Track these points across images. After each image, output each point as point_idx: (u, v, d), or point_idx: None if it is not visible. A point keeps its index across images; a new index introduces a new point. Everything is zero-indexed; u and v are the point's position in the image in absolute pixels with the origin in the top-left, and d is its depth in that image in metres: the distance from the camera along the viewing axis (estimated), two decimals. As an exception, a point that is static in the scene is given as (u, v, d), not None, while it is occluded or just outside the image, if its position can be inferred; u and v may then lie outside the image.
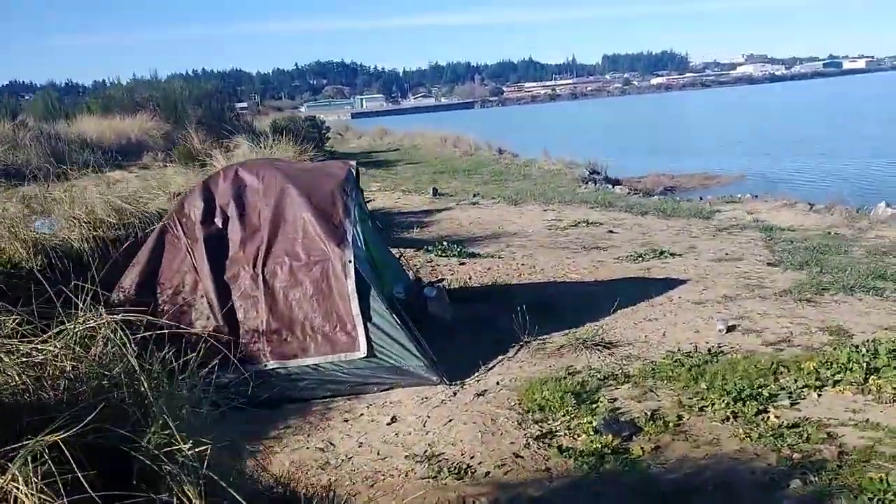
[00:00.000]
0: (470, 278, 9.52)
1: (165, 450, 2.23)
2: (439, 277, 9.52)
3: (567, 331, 7.08)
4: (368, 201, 17.98)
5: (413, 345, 6.05)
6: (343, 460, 4.88)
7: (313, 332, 6.06)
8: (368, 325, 6.04)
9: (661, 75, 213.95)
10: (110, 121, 25.61)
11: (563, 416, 5.25)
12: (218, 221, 6.39)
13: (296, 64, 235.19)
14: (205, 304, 6.12)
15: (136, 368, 2.47)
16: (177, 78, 33.37)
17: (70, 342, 2.51)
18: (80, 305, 3.01)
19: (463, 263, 10.31)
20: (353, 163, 6.89)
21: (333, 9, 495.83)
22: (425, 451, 4.87)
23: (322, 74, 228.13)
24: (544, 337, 7.01)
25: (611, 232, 13.00)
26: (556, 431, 5.05)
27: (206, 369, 3.37)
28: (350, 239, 6.17)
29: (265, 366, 6.02)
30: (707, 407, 5.28)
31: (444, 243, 11.37)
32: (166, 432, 2.27)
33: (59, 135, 22.41)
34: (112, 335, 2.63)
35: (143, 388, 2.39)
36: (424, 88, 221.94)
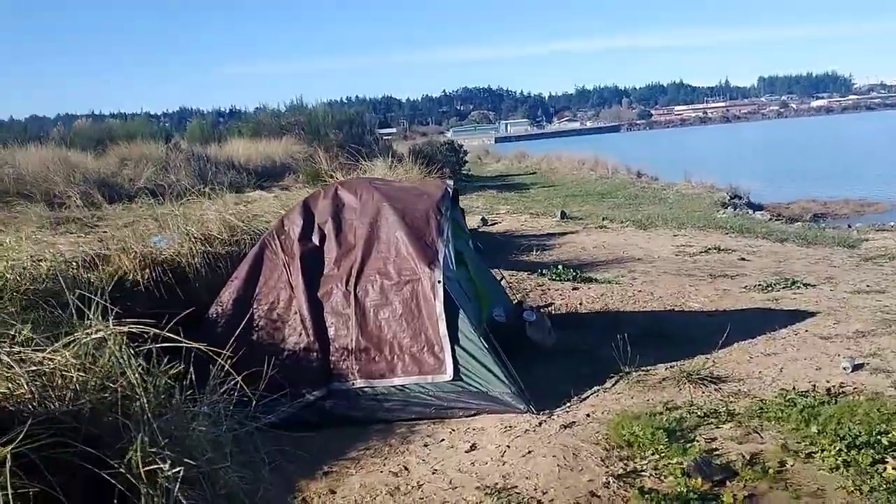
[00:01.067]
0: (581, 304, 9.19)
1: (146, 469, 2.13)
2: (547, 302, 9.25)
3: (674, 363, 6.66)
4: (494, 223, 17.99)
5: (500, 370, 5.83)
6: (413, 487, 4.71)
7: (401, 351, 5.96)
8: (456, 347, 5.88)
9: (822, 97, 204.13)
10: (257, 144, 26.77)
11: (652, 454, 4.89)
12: (315, 239, 6.42)
13: (444, 90, 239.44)
14: (297, 320, 6.13)
15: (135, 383, 2.38)
16: (325, 104, 34.47)
17: (80, 352, 2.47)
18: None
19: (576, 288, 9.98)
20: (451, 182, 6.77)
21: (481, 36, 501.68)
22: (497, 484, 4.63)
23: (469, 100, 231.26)
24: (648, 368, 6.62)
25: (743, 259, 12.32)
26: (642, 471, 4.69)
27: (230, 384, 3.15)
28: (441, 259, 6.04)
29: (353, 384, 5.96)
30: (816, 453, 4.78)
31: (560, 267, 11.07)
32: (153, 450, 2.17)
33: (209, 157, 23.58)
34: (116, 349, 2.52)
35: (139, 403, 2.29)
36: (570, 112, 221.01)
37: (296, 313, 6.16)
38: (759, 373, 6.48)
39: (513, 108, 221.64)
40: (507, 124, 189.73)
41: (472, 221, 17.80)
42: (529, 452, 5.04)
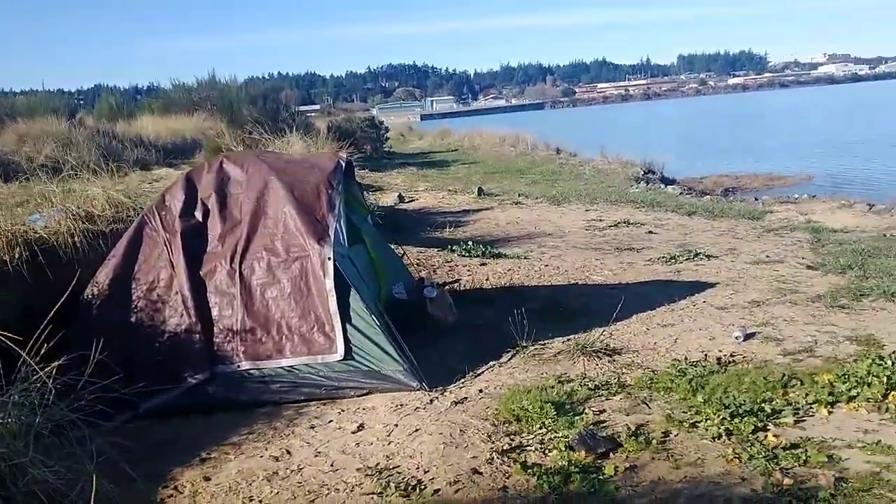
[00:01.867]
0: (487, 279, 9.10)
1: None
2: (454, 279, 9.14)
3: (571, 336, 6.62)
4: (411, 200, 17.80)
5: (393, 348, 5.69)
6: (293, 471, 4.54)
7: (290, 332, 5.75)
8: (347, 325, 5.71)
9: (739, 75, 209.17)
10: (168, 120, 25.93)
11: (540, 428, 4.82)
12: (198, 214, 6.14)
13: (368, 67, 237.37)
14: (179, 300, 5.86)
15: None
16: (240, 80, 33.51)
17: None
18: None
19: (484, 264, 9.90)
20: (344, 154, 6.56)
21: (406, 13, 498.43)
22: (379, 464, 4.50)
23: (394, 77, 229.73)
24: (545, 342, 6.57)
25: (650, 233, 12.43)
26: (527, 446, 4.61)
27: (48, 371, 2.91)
28: (332, 235, 5.85)
29: (238, 367, 5.73)
30: (700, 423, 4.78)
31: (470, 243, 10.97)
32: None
33: (116, 133, 22.73)
34: None
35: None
36: (495, 90, 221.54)
37: (177, 293, 5.88)
38: (654, 344, 6.49)
39: (438, 86, 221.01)
40: (432, 101, 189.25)
41: (389, 199, 17.58)
42: (416, 431, 4.91)
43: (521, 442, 4.66)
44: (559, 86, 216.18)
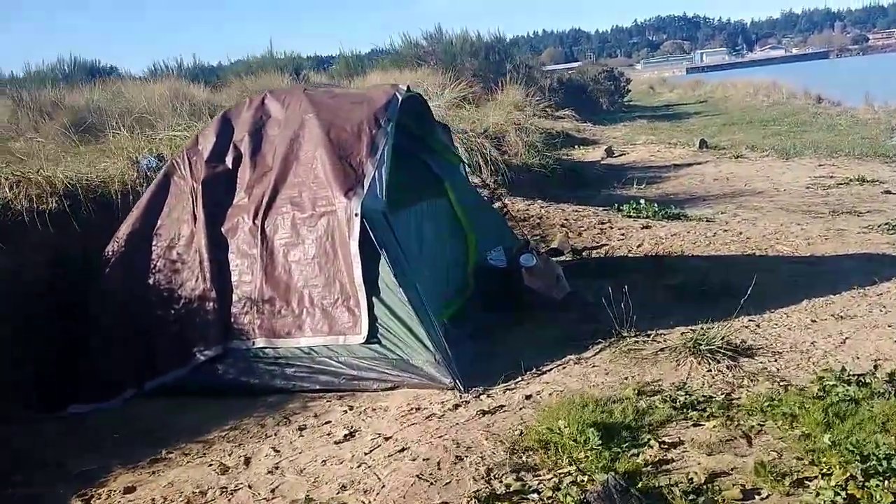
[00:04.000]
0: (640, 245, 7.45)
1: None
2: (599, 243, 7.58)
3: (696, 326, 4.93)
4: (621, 155, 16.05)
5: (425, 332, 4.41)
6: (225, 492, 3.47)
7: (311, 305, 4.67)
8: (375, 301, 4.52)
9: None
10: (391, 75, 25.77)
11: (567, 464, 3.36)
12: (228, 160, 5.17)
13: (635, 20, 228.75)
14: (196, 261, 4.95)
15: None
16: (510, 39, 32.54)
17: None
18: None
19: (648, 227, 8.19)
20: (404, 87, 5.27)
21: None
22: (320, 498, 3.29)
23: (661, 30, 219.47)
24: (656, 331, 4.97)
25: (888, 192, 9.92)
26: (530, 493, 3.18)
27: None
28: (366, 185, 4.64)
29: (252, 344, 4.74)
30: (812, 480, 3.08)
31: (642, 202, 9.23)
32: None
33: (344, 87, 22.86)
34: None
35: None
36: (774, 39, 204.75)
37: (196, 252, 4.98)
38: (812, 344, 4.67)
39: (710, 37, 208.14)
40: (702, 54, 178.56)
41: (597, 153, 16.04)
42: (403, 451, 3.64)
43: (526, 486, 3.23)
44: (849, 32, 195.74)
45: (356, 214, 4.55)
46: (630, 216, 8.76)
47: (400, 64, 28.14)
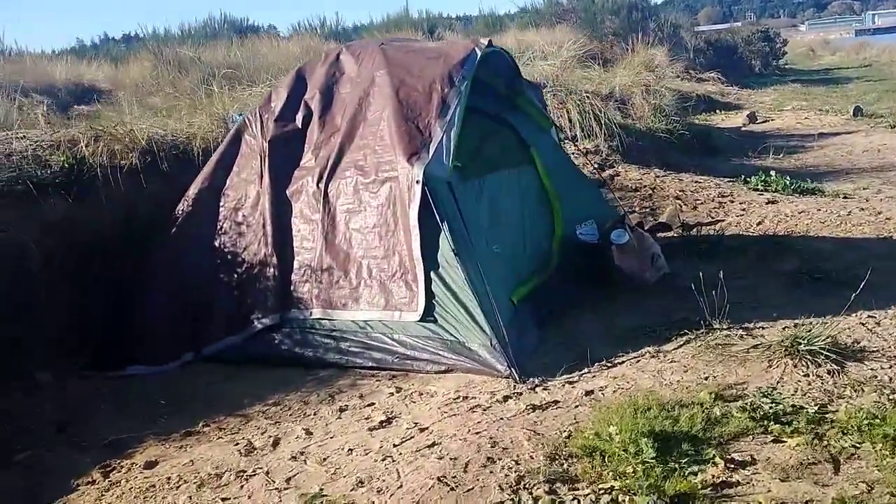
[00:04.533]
0: (760, 223, 6.74)
1: None
2: (713, 219, 6.91)
3: (800, 320, 4.32)
4: (765, 121, 14.93)
5: (483, 313, 4.03)
6: (240, 477, 3.24)
7: (370, 276, 4.38)
8: (434, 276, 4.18)
9: None
10: (527, 34, 25.09)
11: (612, 478, 2.92)
12: (298, 119, 4.92)
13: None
14: (260, 223, 4.75)
15: None
16: None
17: None
18: None
19: (773, 202, 7.42)
20: (484, 41, 4.82)
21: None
22: (330, 495, 3.00)
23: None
24: (752, 325, 4.38)
25: None
26: (559, 508, 2.77)
27: None
28: (433, 150, 4.28)
29: (309, 314, 4.51)
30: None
31: (773, 174, 8.40)
32: None
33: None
34: None
35: None
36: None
37: (260, 215, 4.78)
38: (938, 349, 3.97)
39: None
40: (874, 15, 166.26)
41: (738, 119, 15.00)
42: (433, 446, 3.30)
43: (557, 500, 2.82)
44: None
45: (417, 182, 4.20)
46: (756, 189, 8.00)
47: (537, 22, 27.41)
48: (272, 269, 4.64)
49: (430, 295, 4.18)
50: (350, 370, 4.30)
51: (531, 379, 3.88)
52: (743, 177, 8.43)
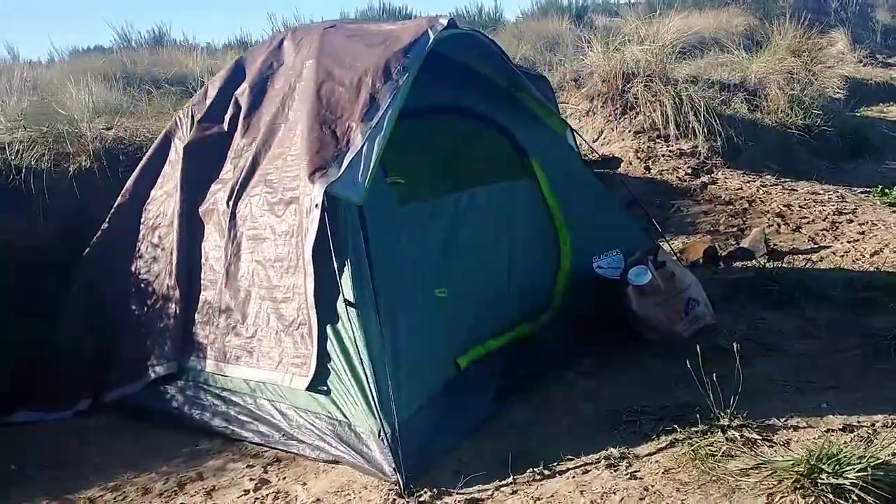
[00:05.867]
0: (875, 253, 5.14)
1: None
2: (813, 246, 5.39)
3: (857, 421, 2.93)
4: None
5: (374, 388, 2.95)
6: None
7: (266, 324, 3.42)
8: (330, 331, 3.14)
9: None
10: (692, 17, 23.07)
11: None
12: (226, 119, 4.00)
13: None
14: (170, 249, 3.89)
15: None
16: None
17: None
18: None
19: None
20: (444, 20, 3.65)
21: None
22: None
23: None
24: (776, 423, 3.03)
25: None
26: None
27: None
28: (346, 163, 3.22)
29: (204, 366, 3.60)
30: None
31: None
32: None
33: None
34: None
35: None
36: None
37: (171, 239, 3.91)
38: None
39: None
40: None
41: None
42: None
43: None
44: None
45: (316, 206, 3.16)
46: (893, 204, 6.29)
47: (700, 4, 25.26)
48: (174, 306, 3.76)
49: (323, 357, 3.15)
50: (236, 443, 3.36)
51: (422, 492, 2.76)
52: (881, 187, 6.70)
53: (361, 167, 3.22)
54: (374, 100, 3.39)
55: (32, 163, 4.64)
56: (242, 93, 3.98)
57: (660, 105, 7.27)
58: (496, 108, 4.17)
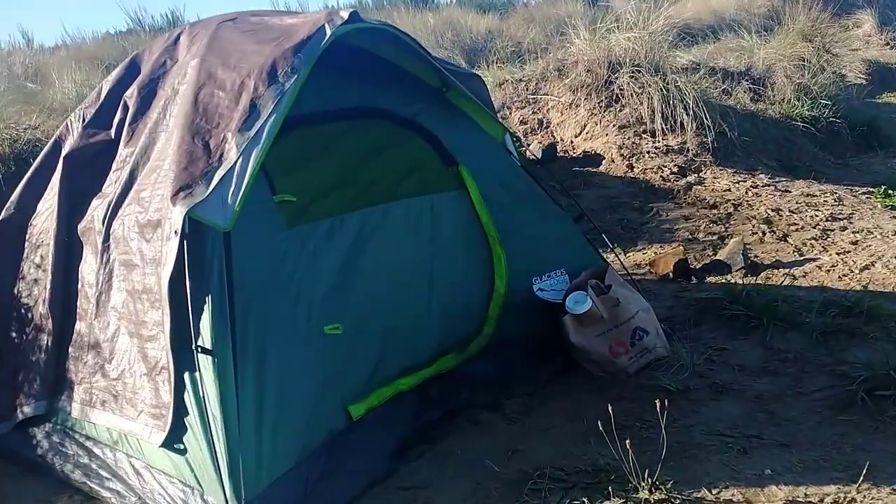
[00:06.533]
0: (865, 269, 4.59)
1: None
2: (799, 257, 4.85)
3: (804, 494, 2.44)
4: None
5: (225, 448, 2.51)
6: None
7: (130, 366, 2.97)
8: (187, 379, 2.70)
9: None
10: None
11: None
12: (114, 124, 3.55)
13: None
14: (48, 272, 3.46)
15: None
16: None
17: None
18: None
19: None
20: (345, 13, 3.16)
21: None
22: None
23: None
24: (706, 495, 2.53)
25: None
26: None
27: None
28: (215, 181, 2.76)
29: (70, 410, 3.18)
30: None
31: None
32: None
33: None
34: None
35: None
36: None
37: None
38: None
39: None
40: None
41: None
42: None
43: None
44: None
45: (175, 232, 2.71)
46: (893, 207, 5.72)
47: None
48: (46, 338, 3.35)
49: (180, 408, 2.71)
50: (92, 502, 2.93)
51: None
52: (884, 188, 6.13)
53: (233, 186, 2.75)
54: (255, 106, 2.92)
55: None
56: (131, 95, 3.52)
57: (647, 97, 6.73)
58: (421, 111, 3.68)
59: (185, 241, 2.68)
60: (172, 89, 3.30)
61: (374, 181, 3.39)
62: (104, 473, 2.96)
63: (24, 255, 3.61)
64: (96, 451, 3.02)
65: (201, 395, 2.61)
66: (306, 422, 2.77)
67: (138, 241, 2.99)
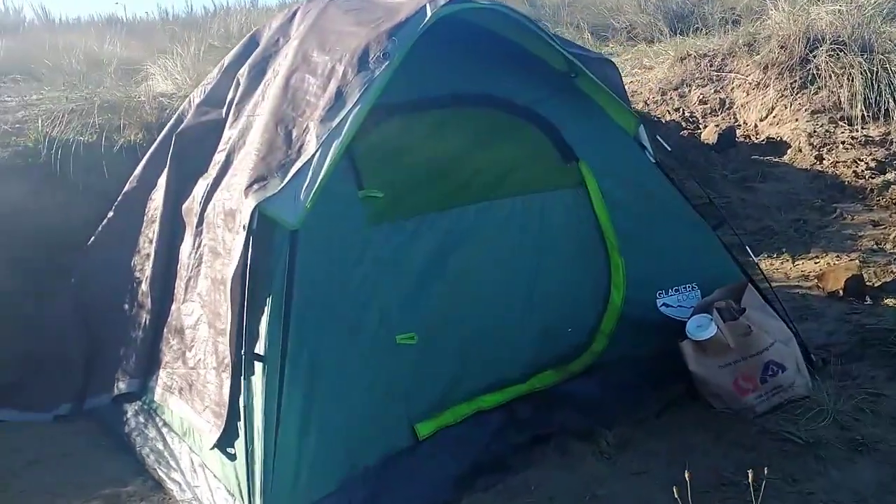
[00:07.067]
0: None
1: None
2: None
3: None
4: None
5: (257, 464, 2.38)
6: None
7: (205, 356, 2.91)
8: (243, 382, 2.58)
9: None
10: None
11: None
12: (224, 104, 3.50)
13: None
14: (154, 252, 3.48)
15: None
16: None
17: None
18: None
19: None
20: (450, -10, 2.85)
21: None
22: None
23: None
24: None
25: None
26: None
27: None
28: (292, 173, 2.61)
29: (154, 391, 3.20)
30: None
31: None
32: None
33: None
34: None
35: None
36: None
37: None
38: None
39: None
40: None
41: None
42: None
43: None
44: None
45: (243, 227, 2.58)
46: None
47: None
48: (145, 316, 3.37)
49: (234, 412, 2.59)
50: (161, 492, 2.91)
51: None
52: None
53: (308, 180, 2.58)
54: (341, 95, 2.71)
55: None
56: (243, 73, 3.44)
57: (848, 79, 5.91)
58: (542, 98, 3.33)
59: (250, 237, 2.53)
60: (274, 71, 3.18)
61: (475, 176, 3.10)
62: (172, 463, 2.93)
63: (142, 228, 3.64)
64: (169, 439, 2.99)
65: (252, 403, 2.48)
66: (360, 439, 2.57)
67: (223, 228, 2.90)
